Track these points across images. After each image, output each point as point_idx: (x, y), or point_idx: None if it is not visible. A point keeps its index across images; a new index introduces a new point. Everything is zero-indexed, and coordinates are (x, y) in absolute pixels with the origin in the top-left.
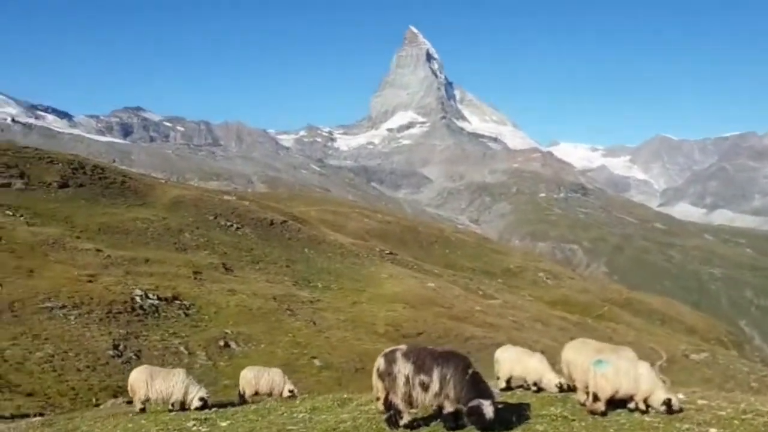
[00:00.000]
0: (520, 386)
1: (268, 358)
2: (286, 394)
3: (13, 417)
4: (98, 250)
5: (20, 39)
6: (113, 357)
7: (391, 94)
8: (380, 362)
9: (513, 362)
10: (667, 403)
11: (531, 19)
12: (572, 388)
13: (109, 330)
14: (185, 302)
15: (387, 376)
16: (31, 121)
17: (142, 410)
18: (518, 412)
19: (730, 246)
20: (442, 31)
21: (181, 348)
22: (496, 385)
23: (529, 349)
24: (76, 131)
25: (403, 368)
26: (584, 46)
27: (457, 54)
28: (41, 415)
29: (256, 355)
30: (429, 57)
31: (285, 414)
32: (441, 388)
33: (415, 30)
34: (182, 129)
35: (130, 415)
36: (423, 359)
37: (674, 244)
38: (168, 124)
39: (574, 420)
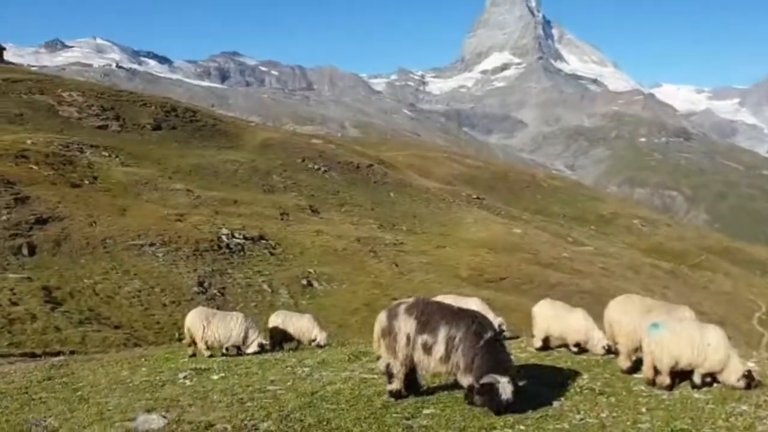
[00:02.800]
0: (563, 346)
1: (349, 298)
2: (319, 341)
3: (35, 355)
4: (188, 191)
5: None
6: (198, 293)
7: (486, 35)
8: (381, 318)
9: (550, 319)
10: (746, 375)
11: None
12: (615, 352)
13: (195, 267)
14: (271, 242)
15: (388, 334)
16: (134, 66)
17: (193, 355)
18: (535, 382)
19: None
20: None
21: (264, 286)
22: (533, 344)
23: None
24: (175, 76)
25: (405, 325)
26: None
27: None
28: (62, 354)
29: (337, 295)
30: None
31: (288, 368)
32: (447, 352)
33: None
34: (277, 73)
35: (144, 359)
36: (429, 316)
37: None
38: (263, 68)
39: (601, 394)
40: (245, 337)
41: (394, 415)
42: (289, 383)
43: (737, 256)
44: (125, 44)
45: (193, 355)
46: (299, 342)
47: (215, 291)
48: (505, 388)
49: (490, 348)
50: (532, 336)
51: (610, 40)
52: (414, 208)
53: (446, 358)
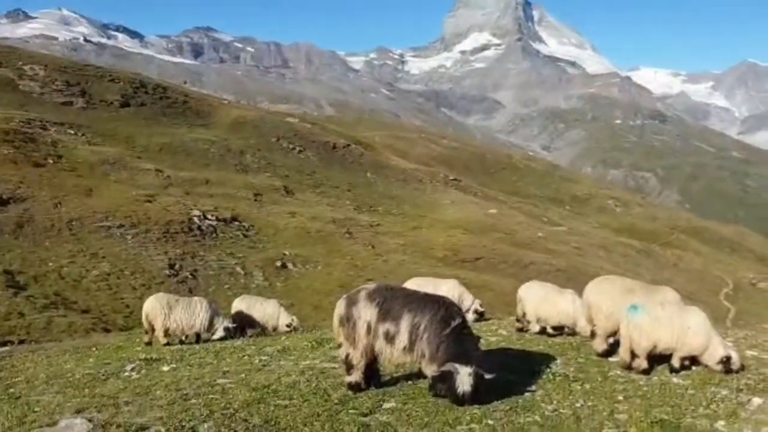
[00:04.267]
0: (560, 330)
1: (324, 279)
2: (282, 328)
3: None
4: (158, 171)
5: None
6: (169, 276)
7: (466, 15)
8: (340, 304)
9: (538, 302)
10: (725, 361)
11: None
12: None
13: (165, 249)
14: (244, 223)
15: (346, 322)
16: (103, 40)
17: (149, 343)
18: (505, 366)
19: None
20: None
21: (238, 268)
22: (528, 328)
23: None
24: (147, 51)
25: (365, 312)
26: None
27: None
28: (10, 344)
29: (312, 276)
30: None
31: (246, 357)
32: (411, 342)
33: None
34: (252, 50)
35: (94, 349)
36: (392, 303)
37: (751, 173)
38: (239, 45)
39: (575, 381)
40: (210, 324)
41: (351, 411)
42: (242, 375)
43: (706, 235)
44: (93, 17)
45: (149, 343)
46: (264, 329)
47: (187, 274)
48: (464, 380)
49: (456, 336)
50: (517, 320)
51: (589, 23)
52: (391, 189)
53: (410, 347)
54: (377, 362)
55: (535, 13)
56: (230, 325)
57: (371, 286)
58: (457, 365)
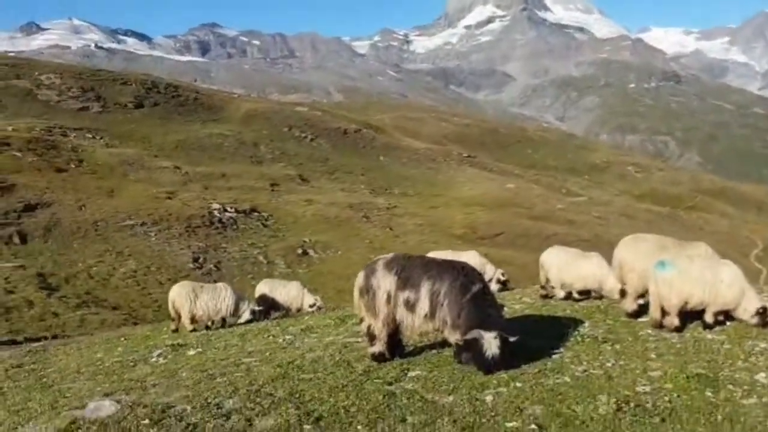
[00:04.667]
0: (586, 293)
1: (345, 264)
2: (307, 309)
3: (13, 342)
4: (176, 168)
5: None
6: (194, 269)
7: None
8: (359, 276)
9: (562, 266)
10: (761, 312)
11: None
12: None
13: (188, 244)
14: (263, 213)
15: (366, 292)
16: (113, 45)
17: (175, 330)
18: (530, 332)
19: None
20: None
21: (260, 257)
22: (553, 294)
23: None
24: (156, 53)
25: (384, 282)
26: None
27: None
28: (44, 339)
29: (333, 261)
30: None
31: (271, 337)
32: (432, 308)
33: None
34: (258, 43)
35: (123, 339)
36: (411, 270)
37: None
38: (244, 38)
39: (605, 342)
40: (236, 308)
41: (376, 381)
42: (267, 354)
43: (731, 197)
44: (102, 24)
45: (176, 330)
46: (287, 310)
47: (211, 266)
48: (491, 343)
49: (477, 301)
50: (542, 287)
51: None
52: (405, 170)
53: (431, 314)
54: (399, 332)
55: None
56: (256, 308)
57: (389, 255)
58: (481, 331)
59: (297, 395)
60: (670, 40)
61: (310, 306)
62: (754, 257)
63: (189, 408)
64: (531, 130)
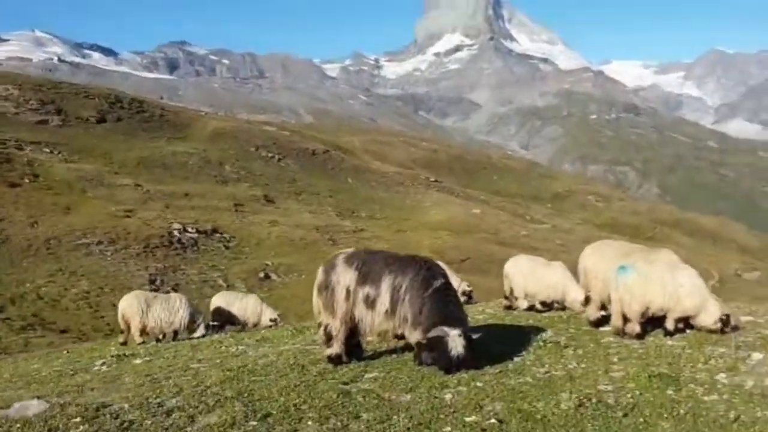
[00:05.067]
0: (549, 306)
1: (309, 288)
2: (265, 323)
3: None
4: (137, 185)
5: None
6: (150, 291)
7: (437, 17)
8: (319, 272)
9: (526, 276)
10: (724, 319)
11: None
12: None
13: (146, 265)
14: (225, 235)
15: (324, 289)
16: (78, 59)
17: (123, 343)
18: (493, 338)
19: None
20: None
21: (220, 281)
22: (516, 305)
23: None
24: (122, 68)
25: (344, 277)
26: None
27: None
28: None
29: (296, 285)
30: None
31: (224, 347)
32: (393, 304)
33: None
34: (228, 62)
35: (65, 352)
36: (371, 265)
37: (728, 162)
38: (214, 57)
39: (567, 347)
40: (190, 321)
41: (330, 381)
42: (217, 361)
43: (689, 228)
44: (67, 37)
45: (124, 343)
46: (244, 325)
47: (168, 288)
48: (456, 341)
49: (439, 296)
50: (505, 297)
51: (559, 19)
52: (373, 193)
53: (392, 311)
54: (358, 332)
55: (505, 12)
56: (211, 323)
57: (349, 250)
58: (445, 328)
59: (245, 394)
60: (629, 73)
61: (271, 320)
62: (710, 288)
63: (126, 406)
64: (496, 157)
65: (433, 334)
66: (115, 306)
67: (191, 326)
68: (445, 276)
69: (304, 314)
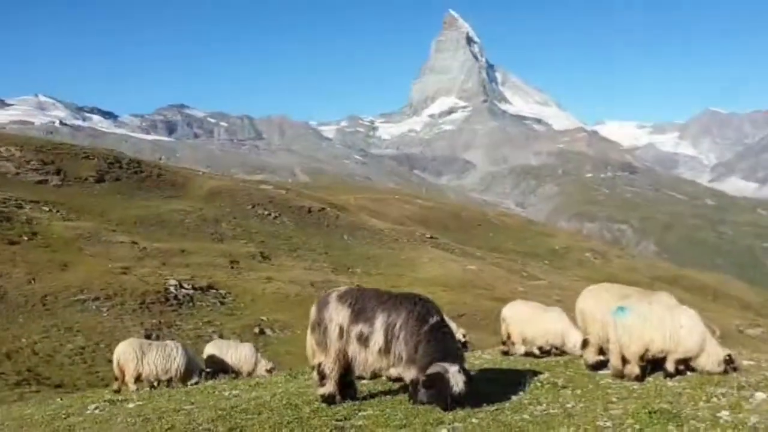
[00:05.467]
0: (547, 352)
1: (304, 344)
2: (261, 372)
3: None
4: (134, 243)
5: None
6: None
7: (432, 80)
8: (312, 309)
9: (524, 322)
10: (728, 359)
11: None
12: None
13: (141, 320)
14: (221, 291)
15: (317, 326)
16: (78, 122)
17: (117, 391)
18: (489, 380)
19: None
20: (482, 13)
21: (215, 336)
22: (514, 351)
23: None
24: (121, 131)
25: (337, 315)
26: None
27: (498, 36)
28: None
29: (291, 341)
30: (469, 40)
31: (217, 392)
32: (387, 342)
33: (454, 14)
34: (225, 124)
35: (59, 399)
36: (364, 302)
37: (726, 220)
38: (212, 120)
39: (564, 388)
40: (186, 369)
41: (324, 418)
42: (210, 402)
43: (688, 284)
44: (69, 100)
45: (117, 391)
46: (238, 373)
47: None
48: (457, 378)
49: (435, 334)
50: (503, 343)
51: (551, 81)
52: (368, 249)
53: (386, 349)
54: (352, 371)
55: (499, 75)
56: (204, 370)
57: (342, 288)
58: (445, 365)
59: (237, 430)
60: (624, 133)
61: (267, 371)
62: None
63: None
64: (492, 214)
65: (432, 370)
66: (110, 361)
67: (187, 374)
68: (439, 312)
69: (299, 370)
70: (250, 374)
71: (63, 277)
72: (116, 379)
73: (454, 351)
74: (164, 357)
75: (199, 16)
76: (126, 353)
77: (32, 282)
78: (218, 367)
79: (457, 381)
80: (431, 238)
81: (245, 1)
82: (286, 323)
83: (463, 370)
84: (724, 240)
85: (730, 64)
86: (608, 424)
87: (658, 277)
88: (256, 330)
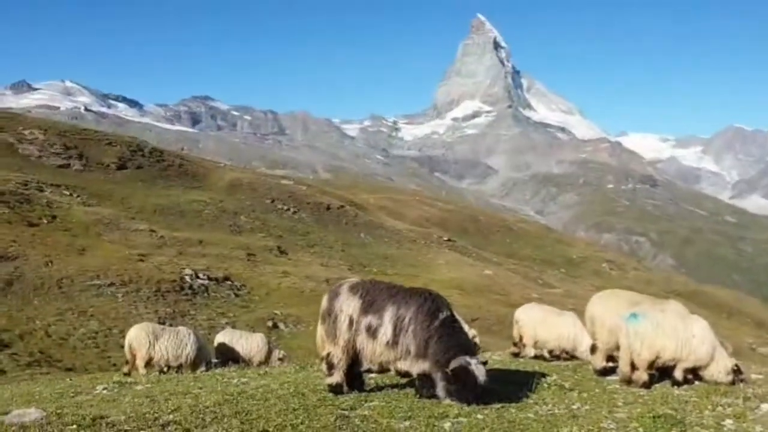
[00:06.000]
0: (557, 356)
1: (316, 338)
2: (274, 362)
3: None
4: (152, 231)
5: (92, 29)
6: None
7: (457, 83)
8: (324, 299)
9: (537, 324)
10: (736, 369)
11: (602, 6)
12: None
13: (156, 308)
14: (236, 283)
15: (328, 316)
16: (104, 109)
17: (127, 374)
18: (497, 379)
19: None
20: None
21: (228, 327)
22: (524, 353)
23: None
24: (145, 119)
25: (347, 305)
26: (657, 34)
27: (526, 42)
28: None
29: (304, 336)
30: (496, 45)
31: (226, 380)
32: (395, 335)
33: (482, 18)
34: (249, 118)
35: (68, 379)
36: (376, 295)
37: (746, 237)
38: (236, 113)
39: (571, 390)
40: (196, 356)
41: (330, 407)
42: (219, 388)
43: (703, 300)
44: (95, 87)
45: (128, 373)
46: (248, 363)
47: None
48: (479, 369)
49: (447, 329)
50: (514, 344)
51: (577, 90)
52: (385, 249)
53: (394, 342)
54: (359, 362)
55: (524, 81)
56: (213, 360)
57: (354, 279)
58: (467, 358)
59: (243, 413)
60: (647, 145)
61: (279, 360)
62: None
63: (123, 418)
64: (511, 220)
65: (456, 364)
66: (122, 347)
67: (198, 361)
68: (449, 308)
69: (310, 365)
70: (261, 364)
71: (80, 261)
72: (127, 362)
73: (469, 345)
74: (176, 343)
75: (227, 10)
76: (138, 337)
77: (49, 265)
78: (228, 356)
79: (480, 372)
80: (449, 240)
81: None
82: (299, 318)
83: (482, 362)
84: (743, 257)
85: (757, 81)
86: (612, 426)
87: (675, 291)
88: (270, 323)
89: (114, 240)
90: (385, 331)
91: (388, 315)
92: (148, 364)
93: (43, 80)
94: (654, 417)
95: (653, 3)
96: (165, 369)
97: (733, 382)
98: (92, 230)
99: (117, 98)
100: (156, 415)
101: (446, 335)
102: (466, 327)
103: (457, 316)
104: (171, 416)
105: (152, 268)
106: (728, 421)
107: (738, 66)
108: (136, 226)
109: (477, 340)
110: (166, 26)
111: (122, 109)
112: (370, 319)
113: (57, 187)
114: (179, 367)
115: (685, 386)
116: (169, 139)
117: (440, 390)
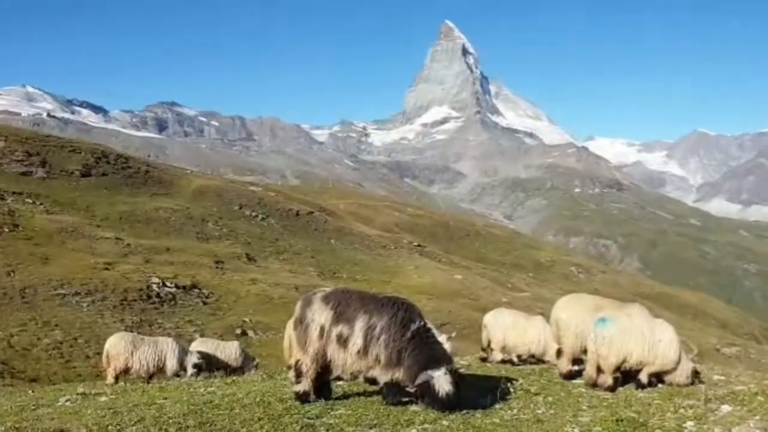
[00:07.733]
0: (524, 361)
1: None
2: (251, 369)
3: None
4: (118, 239)
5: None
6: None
7: (426, 89)
8: (296, 306)
9: (506, 329)
10: (697, 373)
11: (569, 12)
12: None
13: (122, 317)
14: (204, 291)
15: (299, 324)
16: (67, 116)
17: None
18: (463, 385)
19: (766, 242)
20: (478, 26)
21: (196, 336)
22: (492, 358)
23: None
24: (111, 126)
25: (319, 315)
26: (622, 40)
27: (494, 48)
28: None
29: (273, 344)
30: (465, 51)
31: (192, 389)
32: (366, 344)
33: (450, 24)
34: (217, 124)
35: (31, 391)
36: (347, 304)
37: (709, 239)
38: (203, 119)
39: (537, 395)
40: (180, 361)
41: (296, 415)
42: (184, 398)
43: (669, 302)
44: (59, 93)
45: (116, 380)
46: (227, 368)
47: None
48: (441, 381)
49: (420, 340)
50: (483, 350)
51: (545, 95)
52: (355, 254)
53: (364, 351)
54: (329, 371)
55: (492, 88)
56: (198, 360)
57: (328, 288)
58: (429, 372)
59: (208, 424)
60: (613, 150)
61: (254, 367)
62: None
63: (84, 431)
64: (480, 225)
65: (420, 380)
66: (88, 357)
67: (181, 366)
68: (422, 317)
69: (279, 373)
70: (235, 371)
71: (44, 270)
72: (104, 370)
73: (438, 354)
74: (156, 353)
75: (193, 14)
76: (116, 346)
77: (12, 274)
78: (206, 364)
79: (441, 384)
80: (419, 246)
81: (241, 1)
82: (268, 325)
83: (450, 371)
84: (707, 259)
85: (721, 87)
86: (576, 430)
87: (641, 294)
88: (238, 331)
89: (79, 248)
90: (356, 341)
91: (359, 325)
92: (126, 373)
93: (3, 86)
94: (617, 420)
95: (620, 9)
96: (147, 380)
97: (692, 383)
98: (56, 238)
99: (81, 104)
100: (118, 427)
101: (418, 347)
102: (438, 335)
103: (429, 324)
104: (134, 428)
105: (118, 277)
106: (689, 423)
107: (703, 72)
108: (102, 234)
109: (448, 346)
110: (132, 31)
111: (87, 116)
112: (341, 328)
113: (19, 194)
114: (159, 377)
115: (649, 389)
116: (136, 145)
117: (420, 403)
